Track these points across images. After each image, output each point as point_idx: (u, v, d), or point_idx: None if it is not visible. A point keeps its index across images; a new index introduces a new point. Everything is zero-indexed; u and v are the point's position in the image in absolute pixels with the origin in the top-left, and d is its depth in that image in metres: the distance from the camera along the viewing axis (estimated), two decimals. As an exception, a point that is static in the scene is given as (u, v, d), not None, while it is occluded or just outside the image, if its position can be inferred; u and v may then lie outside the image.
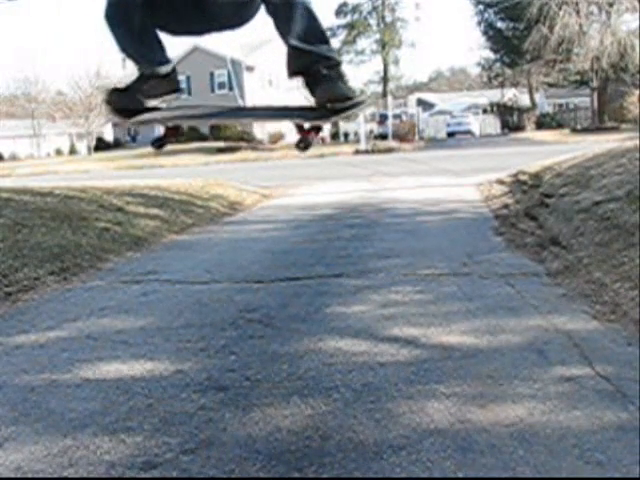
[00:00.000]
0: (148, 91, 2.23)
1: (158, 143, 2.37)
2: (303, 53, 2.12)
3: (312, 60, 2.13)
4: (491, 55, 44.82)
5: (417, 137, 34.02)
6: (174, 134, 2.37)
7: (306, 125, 2.18)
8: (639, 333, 2.94)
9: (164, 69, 2.25)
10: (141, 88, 2.22)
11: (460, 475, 1.89)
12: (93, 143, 40.59)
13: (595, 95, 34.25)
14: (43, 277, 4.67)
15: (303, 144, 2.19)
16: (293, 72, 2.16)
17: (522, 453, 1.98)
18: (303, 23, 2.13)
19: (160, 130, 2.41)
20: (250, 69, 37.81)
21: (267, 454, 2.06)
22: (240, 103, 37.62)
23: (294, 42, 2.11)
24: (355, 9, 54.64)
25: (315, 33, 2.16)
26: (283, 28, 2.14)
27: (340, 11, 54.81)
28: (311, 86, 2.14)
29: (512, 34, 39.16)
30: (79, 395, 2.62)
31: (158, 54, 2.25)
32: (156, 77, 2.24)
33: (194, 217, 7.76)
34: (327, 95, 2.09)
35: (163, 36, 2.28)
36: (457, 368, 2.68)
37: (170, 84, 2.29)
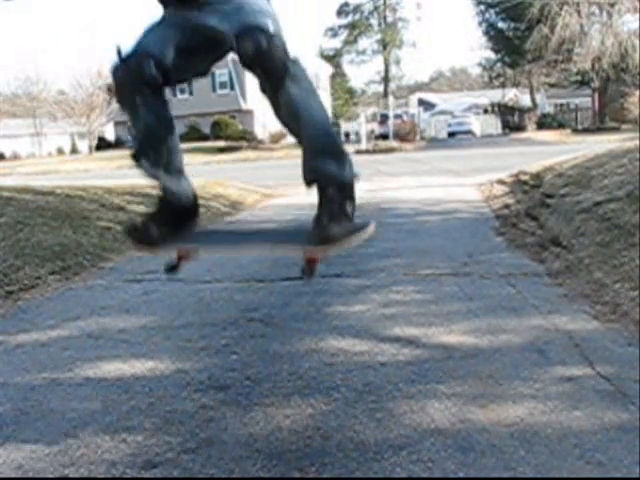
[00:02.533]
0: (168, 222, 2.27)
1: (171, 269, 2.36)
2: (320, 171, 2.12)
3: (327, 181, 2.12)
4: (492, 55, 44.86)
5: (418, 137, 34.03)
6: (187, 257, 2.37)
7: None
8: (639, 333, 2.95)
9: (186, 200, 2.33)
10: (161, 220, 2.26)
11: (461, 475, 1.89)
12: (94, 142, 40.57)
13: (596, 95, 34.27)
14: (44, 276, 4.68)
15: (309, 269, 2.15)
16: (308, 183, 2.17)
17: (523, 453, 1.98)
18: (317, 130, 2.12)
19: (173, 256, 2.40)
20: (251, 69, 37.75)
21: (268, 453, 2.06)
22: (241, 103, 37.68)
23: (317, 164, 2.11)
24: (356, 9, 54.71)
25: (329, 140, 2.15)
26: (296, 131, 2.13)
27: (341, 11, 54.89)
28: (320, 199, 2.13)
29: (513, 34, 39.16)
30: (80, 394, 2.62)
31: (183, 183, 2.33)
32: (177, 209, 2.30)
33: (195, 216, 7.75)
34: (323, 237, 2.06)
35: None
36: (458, 368, 2.68)
37: (190, 216, 2.35)
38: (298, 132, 2.13)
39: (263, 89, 2.10)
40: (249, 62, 2.04)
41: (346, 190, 2.16)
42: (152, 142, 2.25)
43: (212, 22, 2.17)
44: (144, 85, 2.14)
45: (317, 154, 2.12)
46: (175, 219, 2.30)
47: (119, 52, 2.15)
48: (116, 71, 2.16)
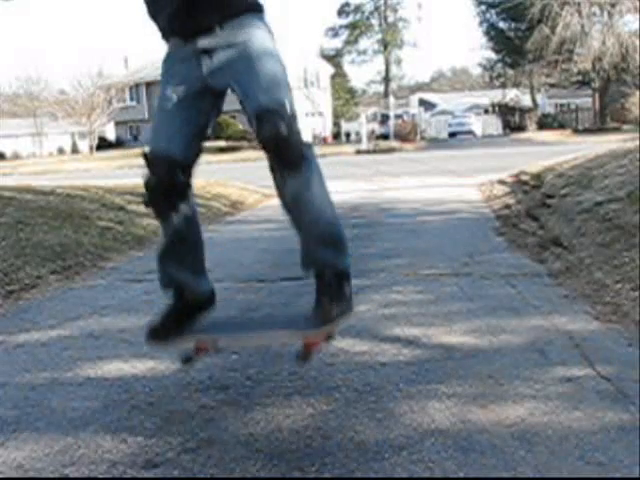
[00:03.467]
0: (185, 318, 2.39)
1: (187, 360, 2.44)
2: (319, 260, 2.19)
3: (326, 269, 2.19)
4: (493, 55, 44.84)
5: (419, 137, 34.04)
6: (204, 350, 2.45)
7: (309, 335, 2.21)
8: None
9: (204, 297, 2.46)
10: (179, 318, 2.38)
11: (461, 475, 1.89)
12: (95, 142, 40.58)
13: (597, 96, 34.26)
14: (45, 276, 4.68)
15: (306, 354, 2.23)
16: (307, 270, 2.26)
17: (523, 453, 1.98)
18: (321, 219, 2.18)
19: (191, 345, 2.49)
20: (252, 69, 37.70)
21: (268, 453, 2.06)
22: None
23: (316, 253, 2.18)
24: (357, 9, 54.65)
25: (331, 230, 2.21)
26: (297, 217, 2.20)
27: (342, 11, 54.85)
28: (319, 284, 2.19)
29: (514, 34, 39.16)
30: (80, 394, 2.62)
31: (203, 282, 2.48)
32: (195, 305, 2.42)
33: (195, 216, 7.74)
34: (326, 319, 2.13)
35: None
36: (458, 368, 2.68)
37: (206, 308, 2.46)
38: (298, 218, 2.19)
39: (272, 168, 2.15)
40: (265, 145, 2.10)
41: (344, 276, 2.21)
42: (180, 245, 2.38)
43: (226, 82, 2.22)
44: (174, 194, 2.27)
45: (317, 242, 2.18)
46: (192, 314, 2.40)
47: (146, 158, 2.25)
48: (148, 185, 2.26)
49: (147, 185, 2.27)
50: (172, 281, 2.40)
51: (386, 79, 55.66)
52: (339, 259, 2.21)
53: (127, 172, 19.59)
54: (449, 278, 4.23)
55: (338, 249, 2.21)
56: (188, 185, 2.33)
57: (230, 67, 2.19)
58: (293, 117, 2.11)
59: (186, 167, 2.28)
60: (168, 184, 2.23)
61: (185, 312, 2.38)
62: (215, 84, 2.24)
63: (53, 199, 7.30)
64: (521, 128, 38.37)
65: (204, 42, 2.19)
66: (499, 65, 45.31)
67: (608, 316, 3.25)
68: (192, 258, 2.42)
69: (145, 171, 2.26)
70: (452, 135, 39.16)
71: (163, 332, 2.36)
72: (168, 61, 2.32)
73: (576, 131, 31.24)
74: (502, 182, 9.45)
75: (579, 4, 28.76)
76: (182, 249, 2.37)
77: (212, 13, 2.17)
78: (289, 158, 2.10)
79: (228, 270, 4.78)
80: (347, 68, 57.93)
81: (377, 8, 54.48)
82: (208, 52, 2.20)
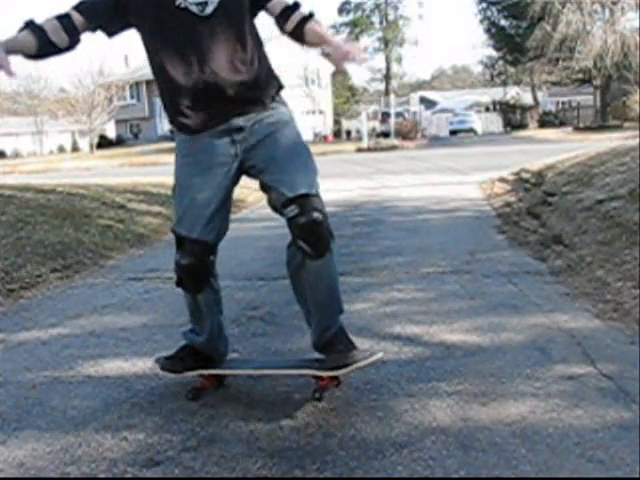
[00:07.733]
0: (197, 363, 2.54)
1: (194, 395, 2.50)
2: (329, 334, 2.37)
3: (338, 335, 2.38)
4: (494, 53, 44.74)
5: (419, 135, 33.98)
6: (213, 385, 2.55)
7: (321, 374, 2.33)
8: (642, 332, 2.94)
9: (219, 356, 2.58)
10: (184, 357, 2.55)
11: (462, 473, 1.89)
12: (95, 140, 40.52)
13: (598, 93, 34.20)
14: (45, 274, 4.68)
15: (318, 394, 2.32)
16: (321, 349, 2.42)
17: (524, 452, 1.98)
18: (329, 297, 2.35)
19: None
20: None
21: (269, 452, 2.06)
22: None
23: (327, 328, 2.36)
24: (358, 7, 54.56)
25: (336, 303, 2.39)
26: (304, 292, 2.41)
27: (343, 9, 54.76)
28: (332, 340, 2.36)
29: (515, 32, 39.08)
30: (81, 392, 2.63)
31: (221, 345, 2.58)
32: (209, 358, 2.55)
33: (196, 215, 7.73)
34: (336, 366, 2.29)
35: None
36: (459, 366, 2.68)
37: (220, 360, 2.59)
38: (310, 295, 2.37)
39: (291, 246, 2.33)
40: (301, 230, 2.23)
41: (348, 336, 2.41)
42: (204, 313, 2.51)
43: (256, 163, 2.31)
44: (204, 272, 2.44)
45: (326, 318, 2.36)
46: (205, 362, 2.54)
47: (180, 240, 2.44)
48: (180, 266, 2.43)
49: (179, 265, 2.42)
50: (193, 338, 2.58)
51: (387, 77, 55.61)
52: (340, 326, 2.41)
53: (127, 170, 19.58)
54: (450, 276, 4.22)
55: (340, 313, 2.40)
56: (213, 262, 2.49)
57: (264, 146, 2.29)
58: (321, 200, 2.26)
59: (215, 247, 2.44)
60: (200, 265, 2.40)
61: (199, 360, 2.53)
62: (246, 161, 2.33)
63: (53, 197, 7.30)
64: (522, 126, 38.30)
65: (237, 121, 2.30)
66: (500, 63, 45.22)
67: (609, 314, 3.24)
68: (212, 323, 2.53)
69: (178, 252, 2.43)
70: (453, 133, 39.13)
71: (176, 364, 2.54)
72: (190, 140, 2.40)
73: (577, 129, 31.16)
74: (503, 180, 9.44)
75: (580, 1, 28.71)
76: (205, 316, 2.51)
77: (250, 106, 2.30)
78: (318, 246, 2.24)
79: (228, 268, 4.77)
80: (348, 66, 57.69)
81: (378, 6, 54.39)
82: (240, 129, 2.30)
